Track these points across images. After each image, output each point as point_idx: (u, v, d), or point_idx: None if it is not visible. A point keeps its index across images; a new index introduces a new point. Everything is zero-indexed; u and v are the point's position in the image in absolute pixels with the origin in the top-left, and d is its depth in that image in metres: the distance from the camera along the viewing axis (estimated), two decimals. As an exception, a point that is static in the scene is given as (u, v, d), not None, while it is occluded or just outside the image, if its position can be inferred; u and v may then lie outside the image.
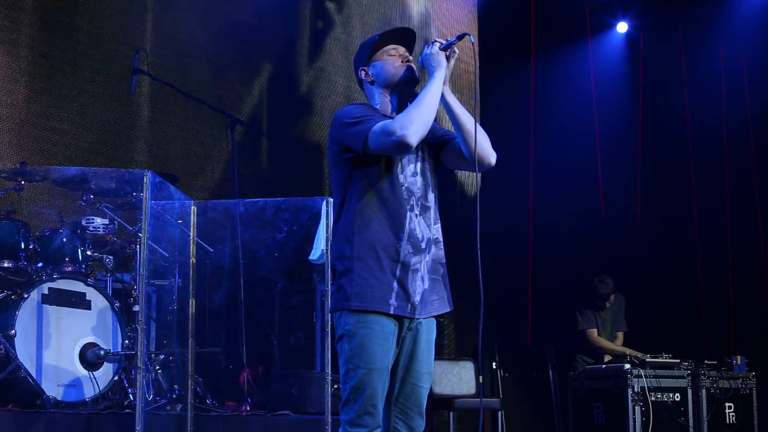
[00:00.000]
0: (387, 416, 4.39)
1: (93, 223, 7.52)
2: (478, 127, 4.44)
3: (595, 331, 10.19)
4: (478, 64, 4.60)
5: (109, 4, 9.30)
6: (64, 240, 7.41)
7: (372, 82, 4.57)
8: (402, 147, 4.22)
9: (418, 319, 4.39)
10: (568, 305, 10.43)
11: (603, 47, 12.36)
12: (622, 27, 12.30)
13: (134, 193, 7.44)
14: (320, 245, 7.36)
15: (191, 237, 7.54)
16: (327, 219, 7.20)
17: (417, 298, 4.36)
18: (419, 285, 4.37)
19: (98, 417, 6.74)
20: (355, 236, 4.31)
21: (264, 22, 10.12)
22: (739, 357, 9.63)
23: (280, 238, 8.20)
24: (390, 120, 4.27)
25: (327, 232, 7.21)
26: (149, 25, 9.46)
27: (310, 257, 7.51)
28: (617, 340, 10.30)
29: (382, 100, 4.56)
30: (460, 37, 4.46)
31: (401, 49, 4.57)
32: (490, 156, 4.49)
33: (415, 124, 4.21)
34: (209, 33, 9.70)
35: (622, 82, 12.43)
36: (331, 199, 7.19)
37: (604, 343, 10.13)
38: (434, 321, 4.52)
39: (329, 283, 7.13)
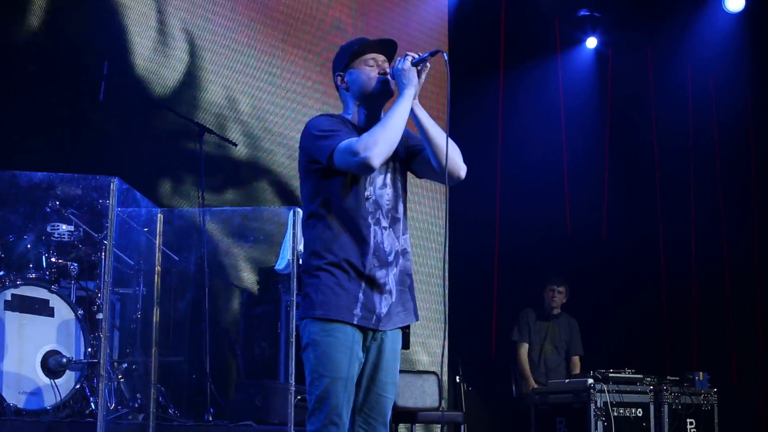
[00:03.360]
0: (351, 426, 4.38)
1: (58, 229, 7.47)
2: (450, 140, 4.43)
3: (526, 347, 10.17)
4: (450, 82, 4.50)
5: (79, 10, 9.25)
6: (29, 246, 7.38)
7: (347, 89, 4.54)
8: (364, 168, 4.22)
9: (383, 330, 4.38)
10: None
11: (572, 62, 12.40)
12: (592, 42, 12.34)
13: (100, 200, 7.40)
14: (286, 255, 7.37)
15: (157, 245, 7.52)
16: (294, 229, 7.20)
17: (383, 311, 4.35)
18: (386, 298, 4.37)
19: (59, 425, 6.70)
20: (323, 248, 4.31)
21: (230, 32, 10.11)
22: (701, 373, 9.66)
23: (246, 247, 8.20)
24: (355, 139, 4.25)
25: (293, 242, 7.20)
26: (118, 32, 9.42)
27: (276, 267, 7.51)
28: (572, 363, 10.31)
29: (354, 110, 4.54)
30: (433, 54, 4.43)
31: (380, 59, 4.53)
32: (460, 170, 4.47)
33: (379, 145, 4.20)
34: (178, 41, 9.67)
35: (590, 98, 12.47)
36: (299, 210, 7.28)
37: (525, 365, 10.09)
38: (400, 332, 4.51)
39: (294, 293, 7.13)
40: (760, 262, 11.86)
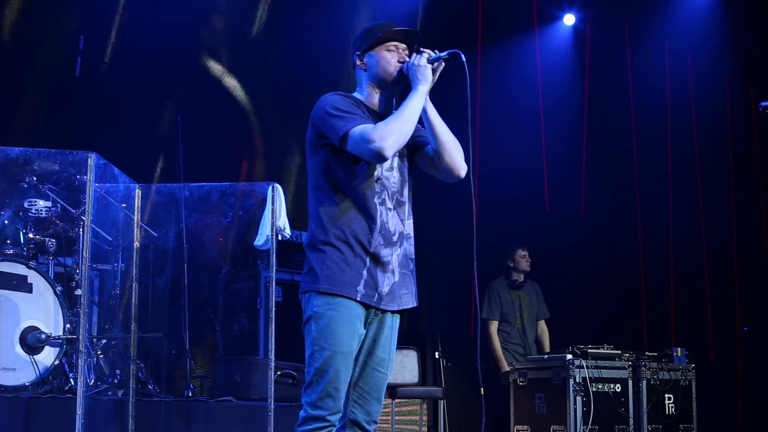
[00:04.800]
0: (345, 401, 4.39)
1: (35, 205, 7.43)
2: (455, 140, 4.51)
3: (496, 325, 10.04)
4: (469, 84, 4.51)
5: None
6: (6, 222, 7.34)
7: (364, 70, 4.57)
8: (377, 157, 4.26)
9: (384, 310, 4.42)
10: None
11: (550, 39, 12.38)
12: (569, 19, 12.33)
13: (78, 176, 7.35)
14: (265, 231, 7.34)
15: (135, 221, 7.48)
16: (273, 204, 7.18)
17: (385, 290, 4.39)
18: (389, 277, 4.42)
19: (38, 401, 6.68)
20: (330, 222, 4.35)
21: (210, 10, 10.05)
22: (679, 349, 9.70)
23: (225, 223, 8.18)
24: (371, 127, 4.27)
25: (272, 218, 7.18)
26: (96, 8, 9.35)
27: (255, 243, 7.48)
28: (540, 329, 10.26)
29: (369, 92, 4.57)
30: (451, 54, 4.45)
31: (401, 47, 4.56)
32: (461, 169, 4.53)
33: (393, 136, 4.25)
34: (157, 19, 9.60)
35: (568, 75, 12.47)
36: (278, 185, 7.27)
37: (497, 346, 10.00)
38: (398, 315, 4.54)
39: (273, 269, 7.12)
40: (737, 238, 11.93)
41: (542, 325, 10.32)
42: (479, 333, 4.78)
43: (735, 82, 12.15)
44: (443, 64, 4.47)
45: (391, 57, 4.51)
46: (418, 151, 4.59)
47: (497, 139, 11.60)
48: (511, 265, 10.21)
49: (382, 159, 4.27)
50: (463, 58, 4.46)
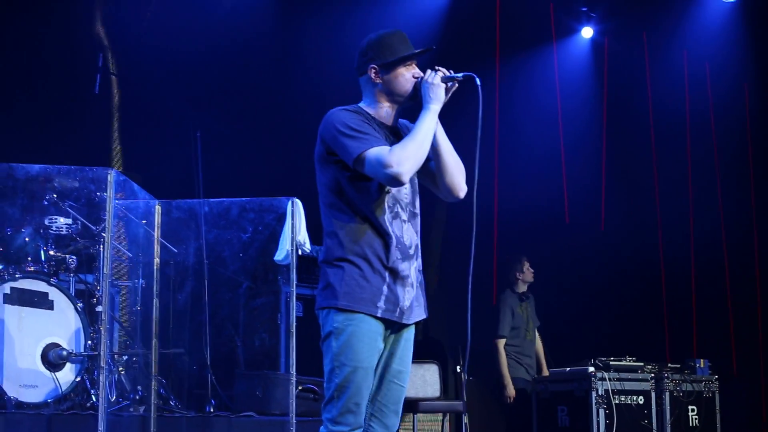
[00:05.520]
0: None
1: (56, 222, 7.45)
2: (458, 160, 4.49)
3: (503, 342, 9.87)
4: (482, 107, 4.45)
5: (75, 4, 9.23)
6: (27, 239, 7.35)
7: (379, 83, 4.47)
8: (394, 182, 4.22)
9: (404, 324, 4.41)
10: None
11: (568, 52, 12.38)
12: (587, 32, 12.33)
13: (98, 192, 7.35)
14: (285, 246, 7.33)
15: (155, 237, 7.49)
16: (292, 219, 7.17)
17: (405, 304, 4.38)
18: (409, 291, 4.40)
19: (60, 418, 6.67)
20: (347, 238, 4.31)
21: (231, 22, 10.06)
22: (702, 360, 9.67)
23: (245, 238, 8.15)
24: (387, 150, 4.21)
25: (292, 233, 7.17)
26: (116, 24, 9.39)
27: (276, 258, 7.47)
28: (537, 338, 10.17)
29: (378, 105, 4.49)
30: (466, 77, 4.41)
31: (414, 65, 4.50)
32: (460, 190, 4.52)
33: (411, 161, 4.21)
34: (176, 32, 9.63)
35: (586, 87, 12.46)
36: (297, 200, 7.25)
37: (503, 362, 9.80)
38: (413, 326, 4.52)
39: (294, 284, 7.11)
40: (760, 248, 11.88)
41: (537, 335, 10.22)
42: (469, 349, 4.70)
43: (754, 91, 12.11)
44: (456, 84, 4.43)
45: (408, 74, 4.45)
46: (422, 166, 4.50)
47: (517, 152, 11.58)
48: (519, 277, 10.12)
49: (399, 183, 4.23)
50: (478, 82, 4.41)
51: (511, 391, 9.66)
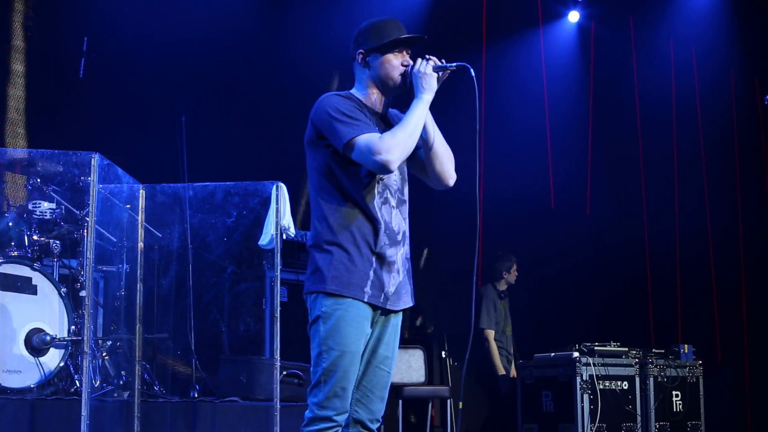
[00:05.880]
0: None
1: (39, 207, 7.41)
2: (447, 149, 4.52)
3: (493, 333, 10.00)
4: (479, 98, 4.49)
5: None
6: (10, 224, 7.32)
7: (367, 69, 4.49)
8: (382, 169, 4.24)
9: (390, 309, 4.40)
10: (516, 295, 10.42)
11: (554, 36, 12.37)
12: (574, 16, 12.32)
13: (81, 177, 7.30)
14: (270, 230, 7.31)
15: (139, 221, 7.46)
16: (277, 203, 7.15)
17: (391, 290, 4.38)
18: (394, 277, 4.40)
19: (44, 403, 6.65)
20: (336, 223, 4.31)
21: (216, 6, 10.03)
22: (686, 346, 9.70)
23: (229, 222, 8.13)
24: (377, 137, 4.22)
25: (277, 217, 7.15)
26: (99, 9, 9.34)
27: (260, 242, 7.45)
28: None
29: (369, 91, 4.51)
30: (459, 67, 4.40)
31: (406, 52, 4.49)
32: (450, 178, 4.55)
33: (399, 148, 4.22)
34: (160, 16, 9.58)
35: (573, 72, 12.46)
36: (282, 184, 7.24)
37: (495, 352, 9.95)
38: (401, 313, 4.52)
39: (279, 268, 7.10)
40: (744, 235, 11.90)
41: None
42: (471, 341, 4.72)
43: (740, 76, 12.12)
44: (448, 73, 4.42)
45: (396, 62, 4.45)
46: (411, 155, 4.52)
47: (502, 137, 11.57)
48: (505, 275, 10.17)
49: (387, 171, 4.24)
50: (473, 73, 4.41)
51: (501, 370, 9.72)
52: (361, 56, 4.49)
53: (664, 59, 12.22)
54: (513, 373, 9.90)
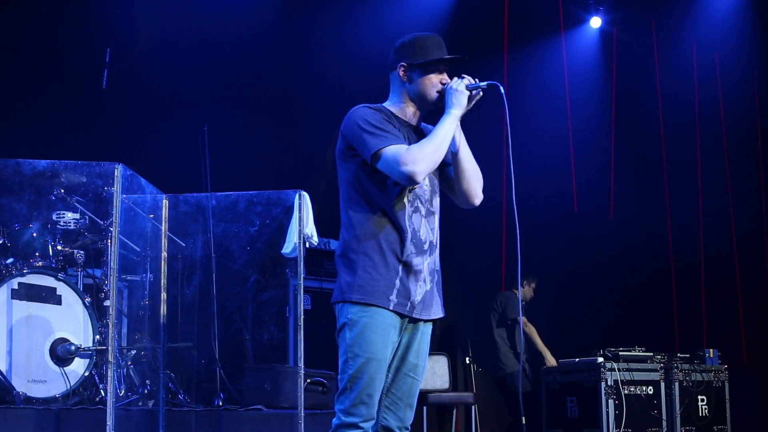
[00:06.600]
0: (377, 407, 4.39)
1: (64, 217, 7.45)
2: (476, 168, 4.55)
3: (524, 320, 10.04)
4: (508, 114, 4.53)
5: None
6: (35, 235, 7.35)
7: (407, 83, 4.54)
8: (408, 180, 4.27)
9: (417, 318, 4.42)
10: (540, 300, 10.41)
11: (576, 42, 12.36)
12: (596, 22, 12.31)
13: (105, 187, 7.35)
14: (293, 239, 7.32)
15: (163, 231, 7.49)
16: (300, 212, 7.17)
17: (417, 298, 4.40)
18: (421, 286, 4.42)
19: (69, 413, 6.68)
20: (362, 231, 4.35)
21: (239, 15, 10.05)
22: (711, 350, 9.67)
23: (252, 231, 8.15)
24: (404, 149, 4.26)
25: (300, 226, 7.17)
26: (122, 19, 9.39)
27: (283, 251, 7.46)
28: None
29: (404, 105, 4.57)
30: (490, 85, 4.46)
31: (445, 73, 4.54)
32: (475, 198, 4.58)
33: (426, 161, 4.26)
34: (183, 24, 9.62)
35: (595, 77, 12.43)
36: (304, 193, 7.26)
37: (535, 336, 9.98)
38: (431, 323, 4.54)
39: (302, 277, 7.11)
40: (769, 237, 11.86)
41: None
42: (521, 336, 4.74)
43: (763, 80, 12.08)
44: (481, 93, 4.47)
45: (436, 80, 4.51)
46: (442, 170, 4.58)
47: (525, 141, 11.53)
48: (524, 288, 10.18)
49: (412, 182, 4.27)
50: (502, 90, 4.46)
51: (552, 360, 9.71)
52: (402, 70, 4.54)
53: (687, 63, 12.19)
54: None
